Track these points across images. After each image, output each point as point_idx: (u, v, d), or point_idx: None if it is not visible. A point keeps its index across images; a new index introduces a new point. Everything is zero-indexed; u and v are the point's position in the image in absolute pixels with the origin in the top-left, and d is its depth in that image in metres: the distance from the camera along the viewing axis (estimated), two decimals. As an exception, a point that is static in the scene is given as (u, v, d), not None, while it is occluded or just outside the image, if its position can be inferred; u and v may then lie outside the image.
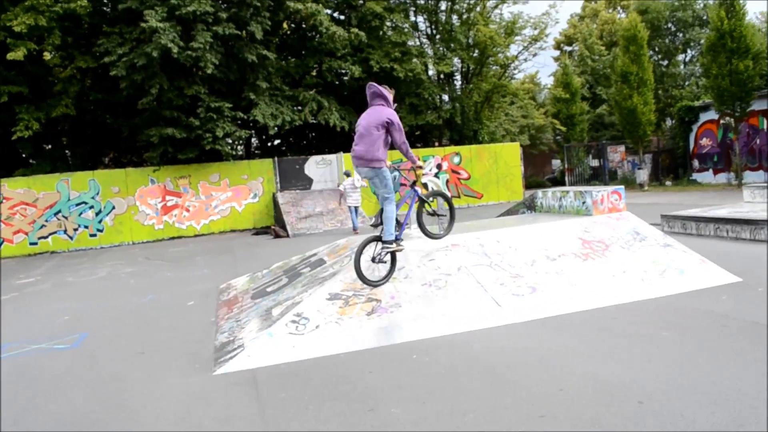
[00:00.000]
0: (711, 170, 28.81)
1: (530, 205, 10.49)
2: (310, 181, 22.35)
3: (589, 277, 7.08)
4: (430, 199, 7.48)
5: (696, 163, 29.81)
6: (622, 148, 32.97)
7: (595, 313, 6.32)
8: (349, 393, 4.63)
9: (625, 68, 28.52)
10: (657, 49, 38.33)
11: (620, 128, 30.98)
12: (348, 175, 18.86)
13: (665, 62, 39.11)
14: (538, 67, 61.74)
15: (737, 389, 4.11)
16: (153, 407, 4.68)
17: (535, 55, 32.99)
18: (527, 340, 5.62)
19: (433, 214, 7.43)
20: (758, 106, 25.61)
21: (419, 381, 4.77)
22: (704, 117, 29.17)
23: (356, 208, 17.86)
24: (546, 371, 4.74)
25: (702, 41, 29.36)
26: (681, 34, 38.47)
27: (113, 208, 19.69)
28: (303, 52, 24.92)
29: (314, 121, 24.34)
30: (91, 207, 19.41)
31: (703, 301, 6.49)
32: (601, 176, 31.91)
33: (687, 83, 37.67)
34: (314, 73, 25.15)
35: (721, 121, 27.70)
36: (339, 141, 26.17)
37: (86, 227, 19.29)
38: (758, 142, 26.42)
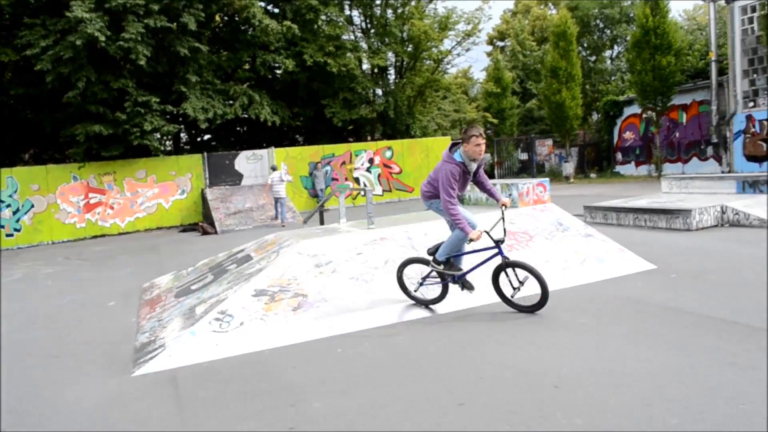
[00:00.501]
0: (633, 162, 29.98)
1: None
2: (240, 176, 21.95)
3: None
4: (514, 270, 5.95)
5: (619, 156, 30.95)
6: (549, 142, 33.88)
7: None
8: (271, 389, 4.57)
9: (555, 63, 29.28)
10: (586, 45, 39.54)
11: (549, 122, 31.83)
12: (274, 168, 18.83)
13: (593, 58, 40.38)
14: (471, 62, 62.88)
15: (646, 371, 4.27)
16: (66, 411, 4.49)
17: (468, 50, 33.43)
18: (450, 330, 5.69)
19: (516, 288, 5.90)
20: (678, 101, 26.82)
21: (343, 374, 4.76)
22: (628, 111, 30.31)
23: (281, 199, 17.91)
24: (467, 361, 4.81)
25: (628, 38, 30.52)
26: (609, 31, 39.82)
27: (32, 206, 18.77)
28: (236, 46, 24.44)
29: (245, 116, 23.96)
30: (8, 206, 18.45)
31: (619, 288, 6.73)
32: (529, 169, 32.73)
33: (613, 78, 38.98)
34: (247, 67, 24.74)
35: (644, 115, 28.84)
36: (270, 136, 25.84)
37: (2, 227, 18.31)
38: (677, 135, 27.66)
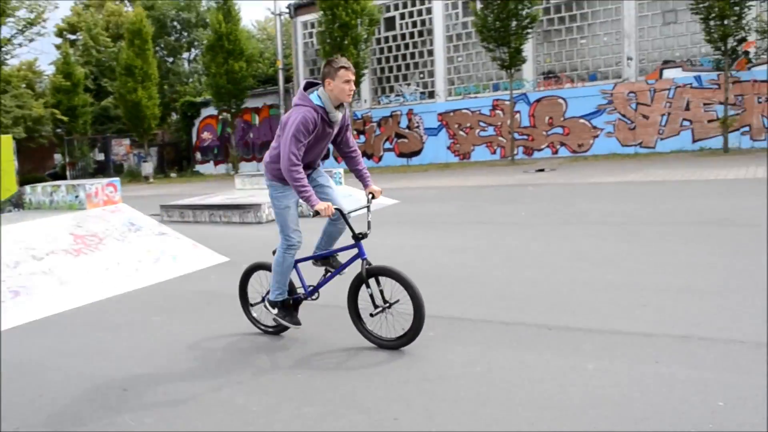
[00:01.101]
0: (212, 162, 31.30)
1: (18, 203, 9.55)
2: None
3: (81, 273, 6.80)
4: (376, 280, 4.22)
5: (199, 156, 31.93)
6: (127, 141, 32.99)
7: (87, 308, 6.13)
8: None
9: (130, 61, 28.60)
10: (163, 45, 39.44)
11: (125, 121, 30.92)
12: None
13: (171, 59, 40.54)
14: (37, 54, 56.41)
15: (228, 357, 4.51)
16: None
17: (32, 40, 30.35)
18: (8, 349, 5.06)
19: (381, 309, 4.21)
20: (251, 104, 28.98)
21: None
22: (205, 112, 31.46)
23: None
24: (18, 380, 4.33)
25: (204, 41, 31.70)
26: (186, 34, 40.51)
27: None
28: None
29: None
30: None
31: (194, 283, 6.97)
32: (106, 170, 31.36)
33: (191, 80, 39.85)
34: None
35: (220, 117, 30.30)
36: None
37: None
38: (252, 136, 29.88)
